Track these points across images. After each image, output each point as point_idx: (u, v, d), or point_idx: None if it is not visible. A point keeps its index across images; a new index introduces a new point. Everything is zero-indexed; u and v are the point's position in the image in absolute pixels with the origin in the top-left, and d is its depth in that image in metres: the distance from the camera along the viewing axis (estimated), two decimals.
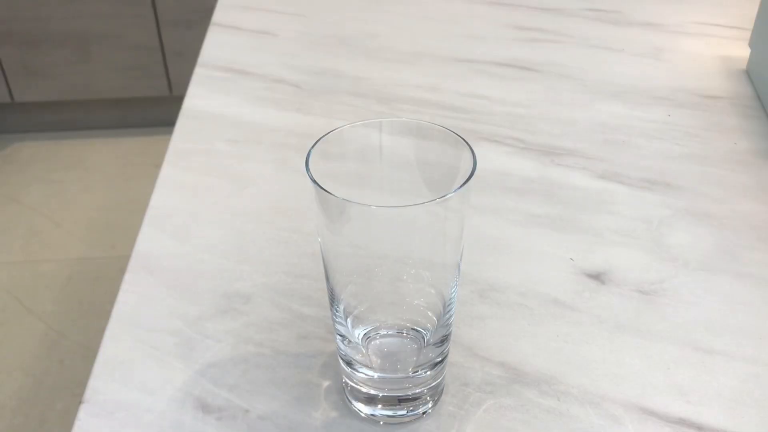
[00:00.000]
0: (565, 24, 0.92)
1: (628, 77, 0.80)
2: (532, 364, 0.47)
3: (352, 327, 0.42)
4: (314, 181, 0.36)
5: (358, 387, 0.43)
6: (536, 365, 0.47)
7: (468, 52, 0.84)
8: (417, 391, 0.43)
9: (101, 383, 0.46)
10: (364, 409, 0.44)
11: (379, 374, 0.42)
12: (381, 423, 0.44)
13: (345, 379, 0.44)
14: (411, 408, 0.43)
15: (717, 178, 0.64)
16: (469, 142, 0.39)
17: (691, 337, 0.49)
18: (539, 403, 0.44)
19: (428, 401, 0.44)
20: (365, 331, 0.42)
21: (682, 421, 0.43)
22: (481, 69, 0.81)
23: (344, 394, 0.45)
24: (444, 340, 0.42)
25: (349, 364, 0.43)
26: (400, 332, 0.42)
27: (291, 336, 0.48)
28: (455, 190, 0.36)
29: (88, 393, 0.45)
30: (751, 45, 0.81)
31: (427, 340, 0.42)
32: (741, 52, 0.83)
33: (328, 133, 0.39)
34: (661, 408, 0.44)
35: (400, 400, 0.43)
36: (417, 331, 0.42)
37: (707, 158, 0.67)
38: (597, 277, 0.54)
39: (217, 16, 0.90)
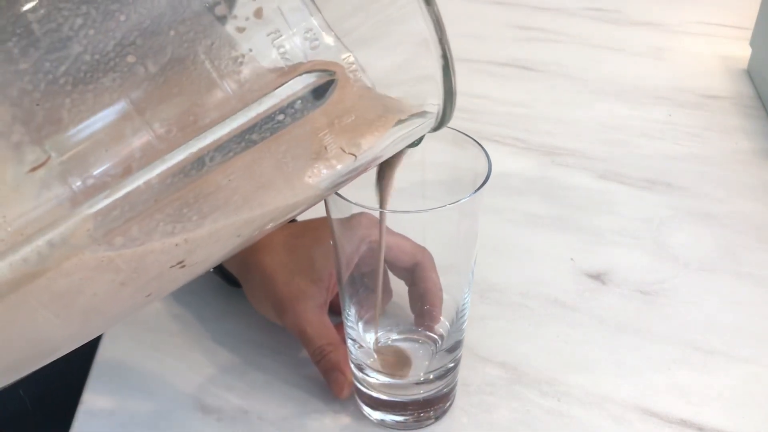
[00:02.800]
0: (566, 23, 0.92)
1: (629, 77, 0.80)
2: (532, 365, 0.47)
3: (364, 331, 0.42)
4: None
5: (369, 392, 0.43)
6: (537, 366, 0.47)
7: (468, 51, 0.84)
8: (428, 396, 0.42)
9: (100, 383, 0.46)
10: (374, 414, 0.43)
11: (390, 379, 0.42)
12: (387, 427, 0.43)
13: (356, 383, 0.43)
14: (421, 414, 0.43)
15: (718, 178, 0.64)
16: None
17: (692, 337, 0.49)
18: (540, 404, 0.44)
19: (439, 407, 0.43)
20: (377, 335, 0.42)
21: (683, 422, 0.43)
22: (482, 69, 0.81)
23: (355, 398, 0.44)
24: (457, 345, 0.42)
25: (359, 368, 0.42)
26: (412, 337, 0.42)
27: (291, 336, 0.48)
28: (469, 195, 0.35)
29: (87, 393, 0.45)
30: (752, 44, 0.81)
31: (440, 346, 0.42)
32: (742, 51, 0.83)
33: None
34: (662, 408, 0.44)
35: (412, 405, 0.42)
36: (429, 336, 0.42)
37: (708, 158, 0.67)
38: (597, 277, 0.54)
39: None
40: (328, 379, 0.43)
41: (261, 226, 0.31)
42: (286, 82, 0.27)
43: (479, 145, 0.38)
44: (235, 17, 0.26)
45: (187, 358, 0.47)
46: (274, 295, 0.45)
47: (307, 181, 0.30)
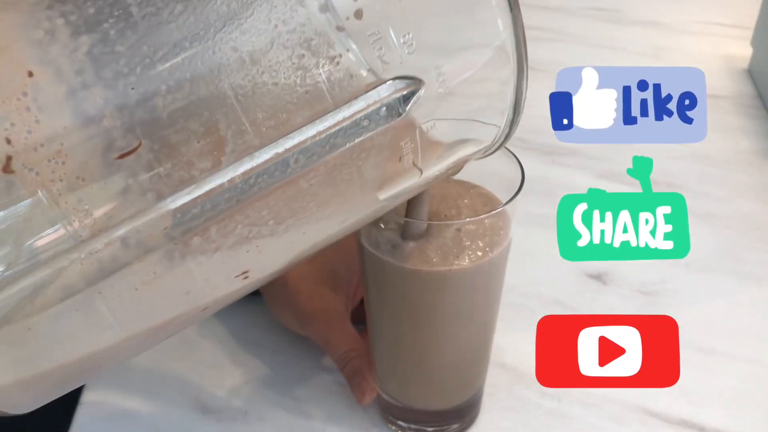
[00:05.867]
0: (566, 23, 0.92)
1: None
2: (532, 365, 0.47)
3: None
4: None
5: (389, 400, 0.42)
6: None
7: None
8: (454, 407, 0.42)
9: (100, 383, 0.46)
10: (395, 424, 0.43)
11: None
12: (392, 427, 0.43)
13: (378, 389, 0.43)
14: (444, 425, 0.43)
15: (719, 178, 0.64)
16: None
17: (692, 337, 0.49)
18: (540, 405, 0.44)
19: (464, 419, 0.43)
20: None
21: (684, 423, 0.43)
22: None
23: (376, 407, 0.44)
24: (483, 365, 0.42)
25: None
26: None
27: (291, 337, 0.48)
28: (502, 205, 0.36)
29: (87, 393, 0.45)
30: (753, 44, 0.81)
31: None
32: (743, 51, 0.83)
33: None
34: (662, 409, 0.44)
35: (436, 416, 0.42)
36: None
37: (709, 158, 0.67)
38: (598, 277, 0.54)
39: None
40: (351, 384, 0.43)
41: (324, 239, 0.31)
42: (376, 86, 0.27)
43: (510, 152, 0.38)
44: (336, 16, 0.26)
45: (187, 359, 0.47)
46: (296, 306, 0.45)
47: (377, 194, 0.30)
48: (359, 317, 0.45)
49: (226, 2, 0.25)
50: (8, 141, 0.23)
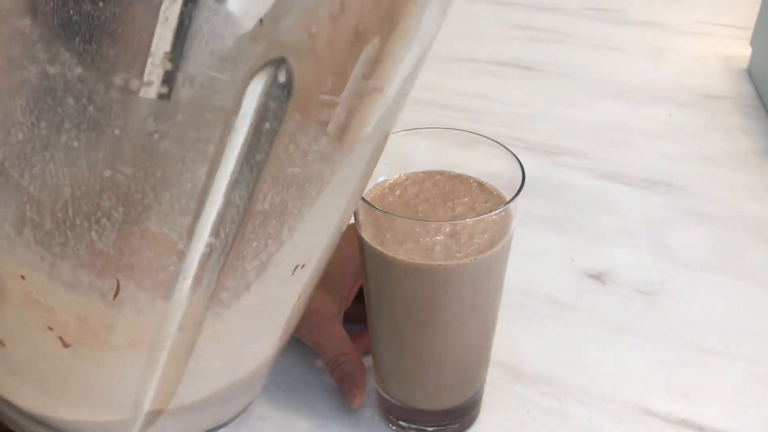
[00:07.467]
0: (566, 23, 0.92)
1: (629, 76, 0.80)
2: (532, 365, 0.47)
3: None
4: (362, 199, 0.35)
5: (391, 400, 0.42)
6: (537, 366, 0.47)
7: (468, 51, 0.84)
8: (454, 406, 0.42)
9: None
10: (396, 424, 0.43)
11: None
12: (393, 426, 0.43)
13: (379, 389, 0.43)
14: (444, 424, 0.42)
15: (718, 178, 0.64)
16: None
17: (692, 337, 0.49)
18: (540, 404, 0.44)
19: (464, 420, 0.43)
20: None
21: (683, 422, 0.43)
22: (482, 68, 0.81)
23: (377, 407, 0.44)
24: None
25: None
26: None
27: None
28: (503, 206, 0.36)
29: None
30: (752, 44, 0.81)
31: None
32: (742, 51, 0.83)
33: None
34: (662, 408, 0.44)
35: (436, 416, 0.42)
36: None
37: (708, 158, 0.67)
38: (598, 277, 0.54)
39: None
40: (341, 388, 0.43)
41: (346, 200, 0.31)
42: (244, 94, 0.25)
43: (511, 152, 0.38)
44: (149, 84, 0.24)
45: None
46: None
47: (349, 146, 0.28)
48: (358, 317, 0.45)
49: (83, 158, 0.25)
50: (50, 328, 0.29)
